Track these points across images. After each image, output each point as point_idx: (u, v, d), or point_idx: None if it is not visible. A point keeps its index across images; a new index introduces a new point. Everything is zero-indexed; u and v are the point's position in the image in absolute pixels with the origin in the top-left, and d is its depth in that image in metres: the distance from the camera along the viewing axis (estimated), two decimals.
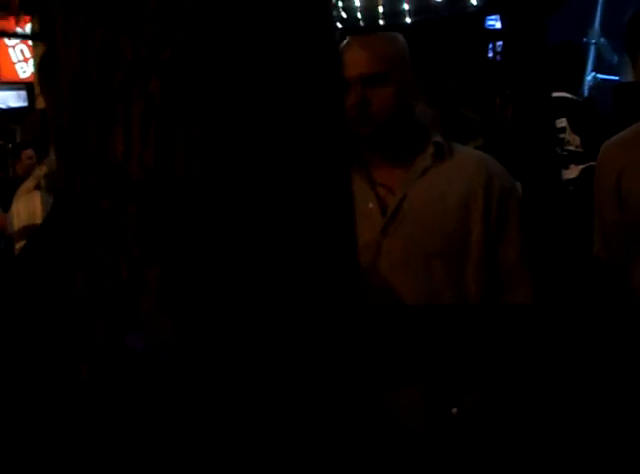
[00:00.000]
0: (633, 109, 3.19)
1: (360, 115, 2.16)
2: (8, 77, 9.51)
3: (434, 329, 1.74)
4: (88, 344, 1.00)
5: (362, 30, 5.07)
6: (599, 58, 8.16)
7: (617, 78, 7.59)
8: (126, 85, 0.99)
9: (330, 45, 1.18)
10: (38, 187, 3.05)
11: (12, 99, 9.66)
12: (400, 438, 1.95)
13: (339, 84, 1.21)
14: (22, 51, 9.41)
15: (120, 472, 1.02)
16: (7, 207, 3.53)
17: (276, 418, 1.08)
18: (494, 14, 6.34)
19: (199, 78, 1.01)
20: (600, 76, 7.95)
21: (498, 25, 6.65)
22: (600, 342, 1.62)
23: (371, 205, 2.19)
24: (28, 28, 7.10)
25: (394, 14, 5.21)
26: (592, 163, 2.79)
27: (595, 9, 8.33)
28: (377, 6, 5.36)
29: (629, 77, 4.23)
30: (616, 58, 8.05)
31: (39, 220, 2.94)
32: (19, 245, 3.01)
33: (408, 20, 5.29)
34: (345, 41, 2.28)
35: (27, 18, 6.87)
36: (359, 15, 5.36)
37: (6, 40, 9.46)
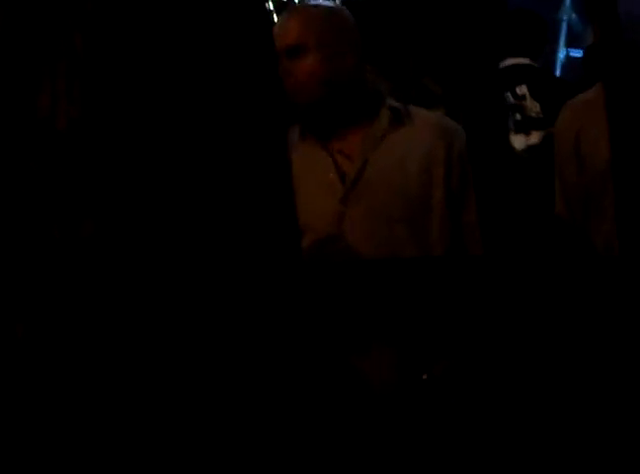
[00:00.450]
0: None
1: (287, 86, 2.15)
2: None
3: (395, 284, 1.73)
4: (22, 301, 0.97)
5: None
6: (571, 35, 8.15)
7: None
8: (50, 41, 0.96)
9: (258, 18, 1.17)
10: None
11: None
12: (367, 403, 1.93)
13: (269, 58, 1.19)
14: None
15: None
16: None
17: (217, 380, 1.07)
18: None
19: (122, 31, 0.98)
20: (573, 53, 7.95)
21: None
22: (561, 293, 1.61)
23: (331, 175, 2.17)
24: None
25: None
26: (553, 129, 2.78)
27: None
28: None
29: None
30: (589, 34, 8.05)
31: None
32: None
33: None
34: None
35: None
36: None
37: None
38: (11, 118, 0.95)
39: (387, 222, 2.13)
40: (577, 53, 7.88)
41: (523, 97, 3.34)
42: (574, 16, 8.36)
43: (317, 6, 2.39)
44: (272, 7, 3.62)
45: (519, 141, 3.29)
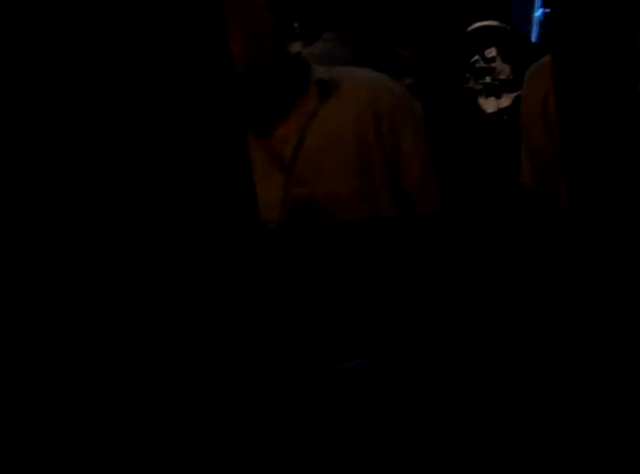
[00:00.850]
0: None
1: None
2: None
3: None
4: None
5: None
6: None
7: None
8: None
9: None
10: None
11: None
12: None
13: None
14: None
15: None
16: None
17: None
18: None
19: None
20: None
21: None
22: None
23: (265, 156, 2.14)
24: None
25: None
26: None
27: None
28: None
29: None
30: None
31: None
32: None
33: None
34: None
35: None
36: None
37: None
38: None
39: (331, 198, 2.10)
40: None
41: (493, 59, 3.32)
42: None
43: None
44: None
45: (489, 104, 3.27)
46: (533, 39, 5.40)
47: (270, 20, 2.17)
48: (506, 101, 3.26)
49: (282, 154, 2.13)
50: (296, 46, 3.01)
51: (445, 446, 1.40)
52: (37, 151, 1.04)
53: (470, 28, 3.38)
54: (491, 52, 3.31)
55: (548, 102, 2.36)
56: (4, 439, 1.05)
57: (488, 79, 3.29)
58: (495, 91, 3.28)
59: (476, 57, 3.31)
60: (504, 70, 3.30)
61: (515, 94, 3.23)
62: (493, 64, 3.30)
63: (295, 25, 3.16)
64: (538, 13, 8.03)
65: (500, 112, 3.25)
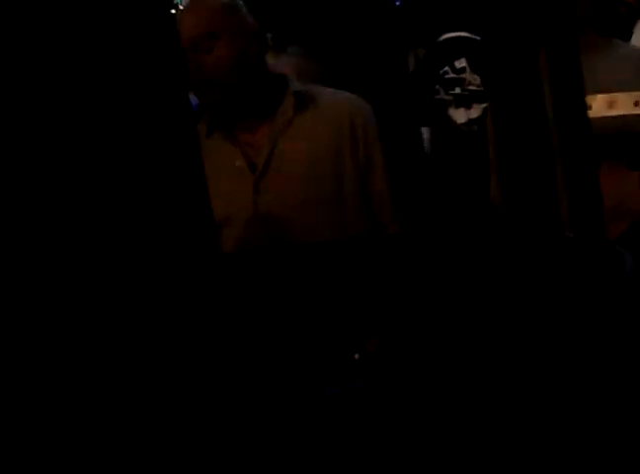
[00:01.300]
0: None
1: (195, 83, 2.13)
2: None
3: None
4: None
5: None
6: None
7: None
8: None
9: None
10: None
11: None
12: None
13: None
14: None
15: None
16: None
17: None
18: None
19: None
20: None
21: None
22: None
23: (238, 163, 2.17)
24: None
25: None
26: None
27: None
28: None
29: None
30: None
31: None
32: None
33: None
34: None
35: None
36: None
37: None
38: None
39: (301, 205, 2.14)
40: None
41: (463, 70, 3.32)
42: None
43: None
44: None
45: (459, 115, 3.28)
46: None
47: (254, 27, 2.22)
48: (476, 111, 3.26)
49: (256, 159, 2.19)
50: (269, 58, 3.02)
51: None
52: None
53: (440, 39, 3.39)
54: (461, 63, 3.32)
55: None
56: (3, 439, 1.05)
57: (458, 90, 3.30)
58: (465, 101, 3.29)
59: (446, 68, 3.31)
60: (474, 81, 3.30)
61: (484, 104, 3.23)
62: (463, 75, 3.31)
63: (269, 36, 3.17)
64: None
65: (470, 122, 3.26)
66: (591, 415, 1.48)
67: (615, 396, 1.47)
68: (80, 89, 1.05)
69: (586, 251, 1.51)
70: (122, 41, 1.07)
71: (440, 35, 3.37)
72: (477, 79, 3.29)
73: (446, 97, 3.29)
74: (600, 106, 2.46)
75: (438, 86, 3.30)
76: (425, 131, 3.10)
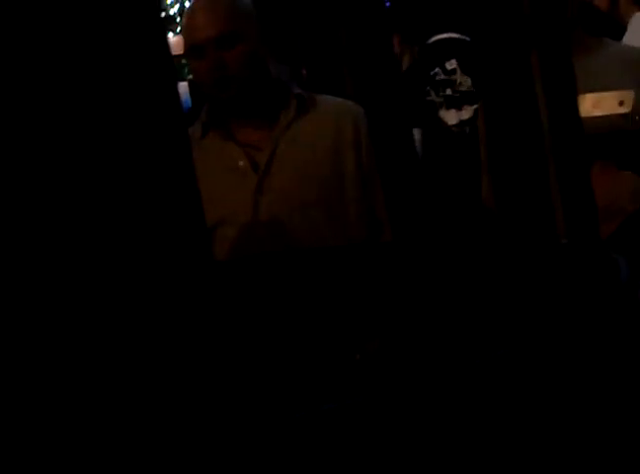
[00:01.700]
0: None
1: (218, 78, 2.13)
2: None
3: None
4: None
5: None
6: None
7: None
8: None
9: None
10: None
11: None
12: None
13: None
14: None
15: None
16: None
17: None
18: None
19: None
20: None
21: None
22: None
23: (242, 163, 2.17)
24: None
25: None
26: None
27: None
28: None
29: None
30: None
31: None
32: None
33: None
34: (188, 5, 2.25)
35: None
36: None
37: None
38: None
39: (302, 207, 2.14)
40: None
41: (454, 71, 3.33)
42: None
43: None
44: None
45: (450, 116, 3.28)
46: None
47: (260, 29, 2.23)
48: (467, 113, 3.27)
49: (258, 159, 2.19)
50: None
51: None
52: None
53: (430, 40, 3.39)
54: (451, 64, 3.32)
55: None
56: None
57: (449, 91, 3.30)
58: (456, 103, 3.29)
59: (437, 70, 3.32)
60: (465, 82, 3.31)
61: (475, 106, 3.24)
62: (453, 76, 3.31)
63: None
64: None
65: (461, 123, 3.26)
66: (587, 426, 1.47)
67: (613, 406, 1.47)
68: (68, 94, 1.05)
69: (580, 258, 1.50)
70: (112, 45, 1.07)
71: (430, 36, 3.37)
72: (468, 80, 3.29)
73: (437, 98, 3.29)
74: (586, 106, 2.46)
75: (428, 87, 3.30)
76: (416, 133, 3.10)
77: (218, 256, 1.90)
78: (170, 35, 8.82)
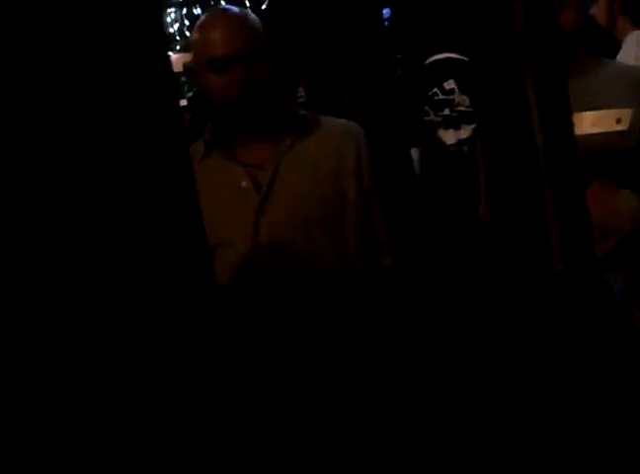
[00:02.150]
0: None
1: (241, 94, 2.13)
2: None
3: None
4: None
5: None
6: None
7: None
8: None
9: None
10: None
11: None
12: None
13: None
14: None
15: None
16: None
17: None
18: None
19: None
20: None
21: None
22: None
23: (244, 183, 2.17)
24: None
25: None
26: None
27: None
28: None
29: None
30: None
31: None
32: None
33: None
34: (202, 20, 2.24)
35: None
36: None
37: None
38: None
39: (303, 226, 2.14)
40: None
41: (452, 91, 3.34)
42: None
43: (243, 11, 2.37)
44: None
45: (449, 136, 3.29)
46: None
47: (268, 45, 2.23)
48: (465, 132, 3.28)
49: (260, 179, 2.18)
50: None
51: None
52: None
53: (428, 60, 3.40)
54: (449, 84, 3.33)
55: None
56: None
57: (447, 111, 3.31)
58: (454, 122, 3.30)
59: (435, 90, 3.33)
60: (463, 102, 3.32)
61: (474, 125, 3.25)
62: (452, 96, 3.32)
63: None
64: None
65: (459, 143, 3.27)
66: (585, 451, 1.47)
67: (611, 431, 1.47)
68: (71, 112, 1.05)
69: (576, 285, 1.50)
70: (115, 62, 1.07)
71: (428, 56, 3.39)
72: (466, 100, 3.30)
73: (436, 118, 3.30)
74: (585, 124, 2.48)
75: (427, 107, 3.31)
76: (414, 153, 3.11)
77: (219, 275, 1.90)
78: (169, 53, 8.80)
